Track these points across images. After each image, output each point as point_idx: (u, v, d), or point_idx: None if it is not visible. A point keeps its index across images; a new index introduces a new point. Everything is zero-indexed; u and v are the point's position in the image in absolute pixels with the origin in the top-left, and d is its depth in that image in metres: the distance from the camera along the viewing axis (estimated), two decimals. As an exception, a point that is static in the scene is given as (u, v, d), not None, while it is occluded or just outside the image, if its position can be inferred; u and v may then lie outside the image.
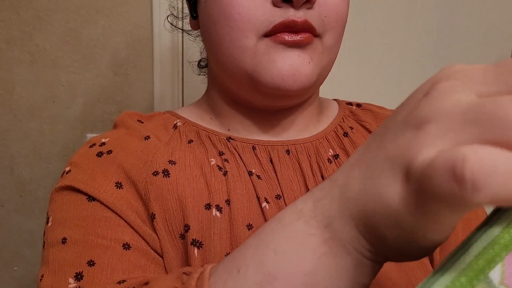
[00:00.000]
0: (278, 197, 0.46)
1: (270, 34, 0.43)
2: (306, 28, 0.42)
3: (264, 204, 0.45)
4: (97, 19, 1.00)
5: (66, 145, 1.05)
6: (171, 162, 0.46)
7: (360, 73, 1.03)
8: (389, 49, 1.03)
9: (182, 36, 0.99)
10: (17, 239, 1.09)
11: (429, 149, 0.18)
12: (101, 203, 0.43)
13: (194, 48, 0.65)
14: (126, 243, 0.41)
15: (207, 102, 0.54)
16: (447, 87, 0.20)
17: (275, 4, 0.42)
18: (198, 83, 1.02)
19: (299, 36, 0.42)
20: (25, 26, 1.01)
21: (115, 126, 0.52)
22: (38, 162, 1.06)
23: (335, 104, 0.57)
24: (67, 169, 0.47)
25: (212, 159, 0.47)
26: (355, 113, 0.55)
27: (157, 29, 0.99)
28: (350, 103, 0.58)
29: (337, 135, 0.52)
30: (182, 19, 0.66)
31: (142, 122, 0.52)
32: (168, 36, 0.99)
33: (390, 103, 0.58)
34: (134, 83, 1.03)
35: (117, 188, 0.44)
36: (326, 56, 0.46)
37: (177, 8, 0.67)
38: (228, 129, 0.52)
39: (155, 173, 0.45)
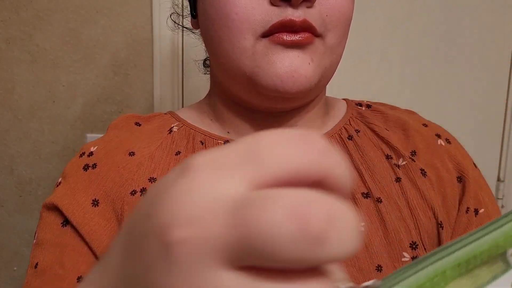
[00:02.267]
0: None
1: (268, 34, 0.41)
2: (305, 27, 0.41)
3: None
4: (97, 19, 1.00)
5: (66, 145, 1.05)
6: (152, 179, 0.45)
7: (360, 73, 1.03)
8: (389, 49, 1.02)
9: (182, 36, 0.99)
10: (17, 239, 1.09)
11: None
12: (73, 226, 0.44)
13: (195, 48, 0.65)
14: (81, 276, 0.42)
15: (209, 103, 0.53)
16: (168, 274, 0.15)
17: (272, 3, 0.41)
18: (198, 84, 1.02)
19: (298, 36, 0.41)
20: (25, 26, 1.01)
21: (108, 130, 0.52)
22: (38, 162, 1.06)
23: (343, 105, 0.55)
24: (59, 180, 0.48)
25: None
26: (363, 114, 0.52)
27: (157, 29, 0.99)
28: (359, 104, 0.55)
29: (342, 138, 0.50)
30: (183, 17, 0.65)
31: (140, 125, 0.51)
32: (168, 36, 0.99)
33: (391, 102, 0.57)
34: (134, 83, 1.03)
35: (93, 206, 0.45)
36: (328, 56, 0.44)
37: (180, 5, 0.66)
38: (228, 132, 0.50)
39: (133, 193, 0.45)
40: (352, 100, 0.56)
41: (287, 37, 0.41)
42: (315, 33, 0.42)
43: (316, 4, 0.42)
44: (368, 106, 0.54)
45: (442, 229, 0.45)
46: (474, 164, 0.52)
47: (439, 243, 0.45)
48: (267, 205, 0.14)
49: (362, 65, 1.03)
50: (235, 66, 0.44)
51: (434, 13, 1.01)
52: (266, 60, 0.41)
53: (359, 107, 0.54)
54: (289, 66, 0.41)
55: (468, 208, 0.48)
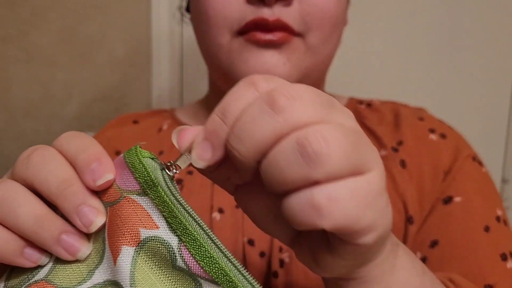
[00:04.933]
0: (237, 206, 0.44)
1: (242, 32, 0.41)
2: (279, 26, 0.40)
3: (214, 214, 0.43)
4: (94, 16, 0.99)
5: (62, 144, 1.04)
6: None
7: (363, 72, 1.02)
8: (391, 49, 1.01)
9: (182, 34, 0.98)
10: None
11: None
12: None
13: (195, 47, 0.64)
14: None
15: (206, 100, 0.54)
16: None
17: (248, 1, 0.41)
18: (198, 82, 1.01)
19: (272, 35, 0.40)
20: (21, 24, 1.00)
21: (105, 127, 0.52)
22: (34, 161, 1.05)
23: (343, 103, 0.53)
24: None
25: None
26: (359, 111, 0.51)
27: (155, 26, 0.98)
28: (361, 102, 0.54)
29: None
30: (182, 13, 0.65)
31: (138, 122, 0.52)
32: (166, 34, 0.98)
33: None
34: (132, 81, 1.01)
35: None
36: (310, 56, 0.43)
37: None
38: None
39: None
40: (355, 99, 0.55)
41: (261, 36, 0.41)
42: (292, 32, 0.41)
43: (296, 2, 0.41)
44: (369, 104, 0.53)
45: (412, 224, 0.43)
46: (478, 161, 0.48)
47: (406, 238, 0.43)
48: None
49: (365, 65, 1.02)
50: (215, 62, 0.44)
51: (437, 12, 1.00)
52: (240, 58, 0.42)
53: (358, 105, 0.53)
54: (262, 65, 0.41)
55: (446, 197, 0.45)
